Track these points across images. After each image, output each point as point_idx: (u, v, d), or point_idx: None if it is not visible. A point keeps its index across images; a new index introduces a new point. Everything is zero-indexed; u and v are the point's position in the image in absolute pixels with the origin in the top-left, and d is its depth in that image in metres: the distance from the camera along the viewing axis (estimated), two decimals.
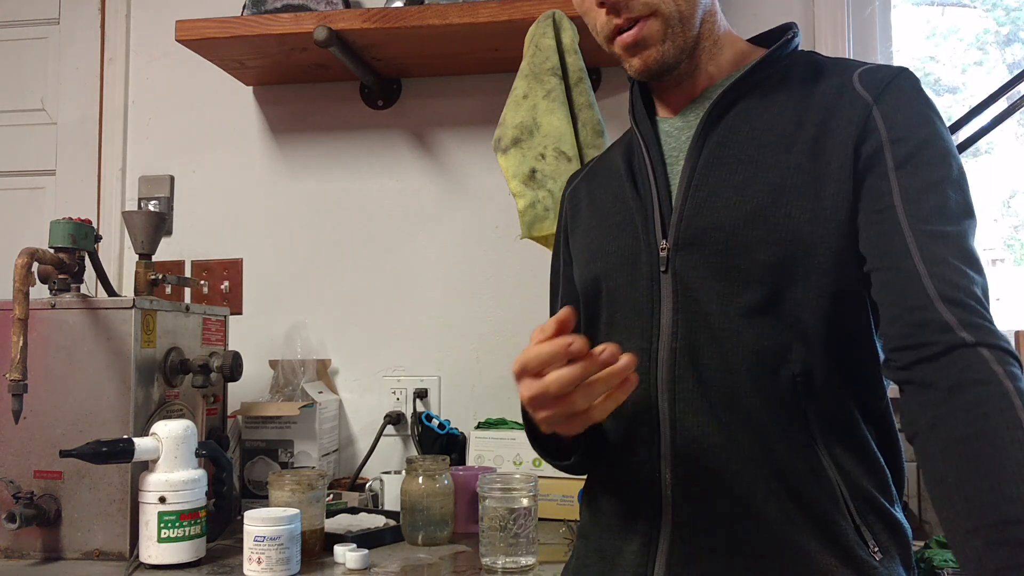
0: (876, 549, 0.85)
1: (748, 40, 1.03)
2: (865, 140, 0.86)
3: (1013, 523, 0.65)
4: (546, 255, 1.27)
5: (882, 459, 0.89)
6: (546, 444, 1.01)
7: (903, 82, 0.88)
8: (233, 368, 1.51)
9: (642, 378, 0.90)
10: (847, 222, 0.85)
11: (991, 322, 0.75)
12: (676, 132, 0.99)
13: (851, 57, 1.78)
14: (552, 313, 1.16)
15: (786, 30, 1.00)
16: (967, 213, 0.82)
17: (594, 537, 0.98)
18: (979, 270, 0.78)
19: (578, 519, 1.19)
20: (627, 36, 0.93)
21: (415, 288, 1.89)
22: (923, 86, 0.90)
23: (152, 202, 1.99)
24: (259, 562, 1.21)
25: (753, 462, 0.85)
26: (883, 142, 0.85)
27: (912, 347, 0.77)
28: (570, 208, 1.12)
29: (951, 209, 0.80)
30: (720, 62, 0.99)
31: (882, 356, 0.89)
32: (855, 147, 0.86)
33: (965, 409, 0.72)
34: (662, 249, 0.92)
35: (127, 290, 1.93)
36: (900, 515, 0.89)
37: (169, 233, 1.98)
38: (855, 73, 0.91)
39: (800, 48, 1.00)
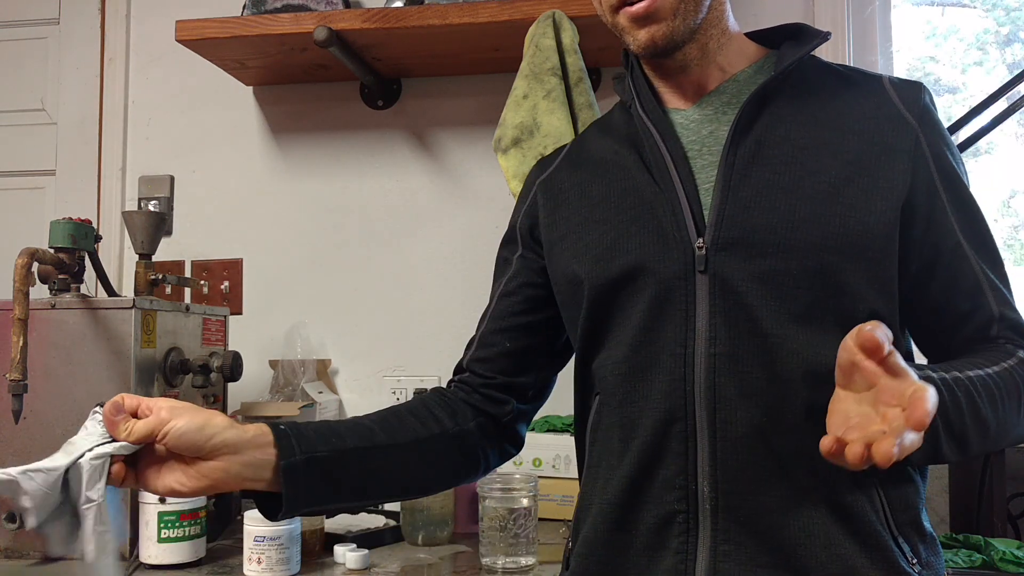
0: (915, 562, 0.84)
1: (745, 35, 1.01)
2: (917, 171, 0.88)
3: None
4: None
5: (912, 470, 0.88)
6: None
7: (931, 104, 0.92)
8: (233, 368, 1.51)
9: (675, 385, 0.86)
10: (891, 234, 0.87)
11: None
12: (694, 125, 0.95)
13: (851, 56, 1.78)
14: (492, 296, 1.09)
15: (798, 30, 0.97)
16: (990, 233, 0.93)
17: (610, 553, 0.91)
18: (1012, 295, 0.91)
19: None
20: (638, 7, 0.89)
21: (415, 288, 1.89)
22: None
23: (152, 202, 1.99)
24: (259, 562, 1.21)
25: (797, 474, 0.82)
26: (934, 176, 0.89)
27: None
28: (546, 197, 1.04)
29: (993, 247, 0.92)
30: (729, 55, 0.96)
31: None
32: (907, 171, 0.88)
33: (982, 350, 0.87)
34: (698, 248, 0.87)
35: (127, 290, 1.93)
36: (929, 525, 0.88)
37: (169, 233, 1.98)
38: (883, 82, 0.93)
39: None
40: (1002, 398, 0.81)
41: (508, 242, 1.10)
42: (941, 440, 0.77)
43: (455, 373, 1.07)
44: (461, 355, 1.06)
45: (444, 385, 1.06)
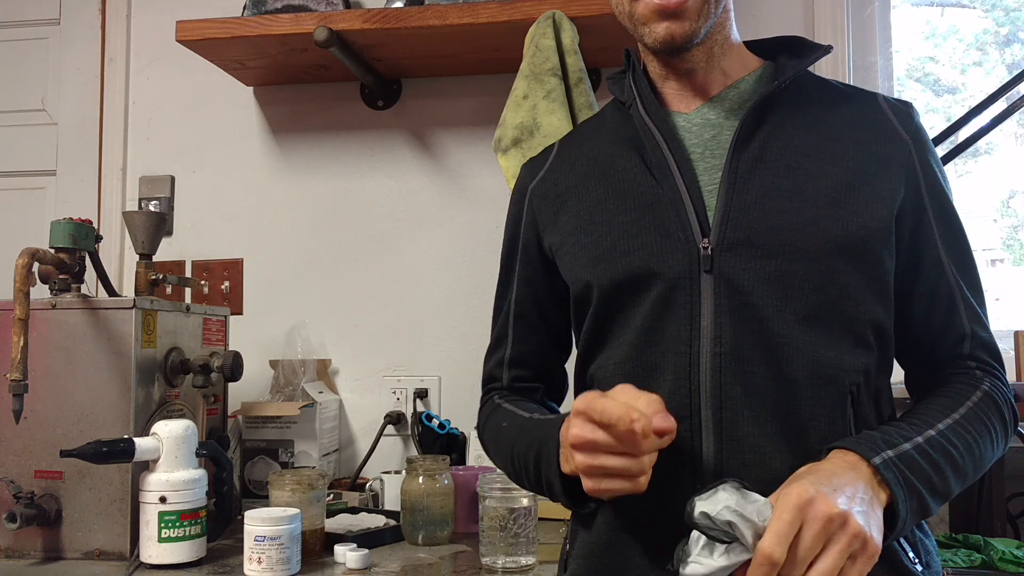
0: (917, 561, 0.85)
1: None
2: (908, 184, 0.92)
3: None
4: None
5: None
6: (569, 489, 0.90)
7: (920, 122, 0.96)
8: (233, 368, 1.51)
9: (681, 384, 0.87)
10: (888, 241, 0.90)
11: (997, 364, 0.93)
12: (697, 129, 0.95)
13: (851, 57, 1.79)
14: (498, 307, 1.11)
15: (796, 43, 1.00)
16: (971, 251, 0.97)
17: (612, 552, 0.91)
18: (985, 313, 0.95)
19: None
20: (670, 0, 0.90)
21: (415, 288, 1.89)
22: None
23: (152, 202, 1.99)
24: (259, 562, 1.21)
25: None
26: (922, 191, 0.93)
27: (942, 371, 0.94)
28: (543, 203, 1.04)
29: (973, 265, 0.95)
30: (731, 62, 0.98)
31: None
32: (900, 183, 0.91)
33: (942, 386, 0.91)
34: (704, 248, 0.88)
35: (127, 290, 1.93)
36: (920, 530, 0.90)
37: (169, 233, 1.98)
38: (879, 99, 0.97)
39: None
40: (976, 440, 0.85)
41: (509, 256, 1.11)
42: (929, 505, 0.81)
43: (494, 386, 1.12)
44: (488, 368, 1.14)
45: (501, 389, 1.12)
